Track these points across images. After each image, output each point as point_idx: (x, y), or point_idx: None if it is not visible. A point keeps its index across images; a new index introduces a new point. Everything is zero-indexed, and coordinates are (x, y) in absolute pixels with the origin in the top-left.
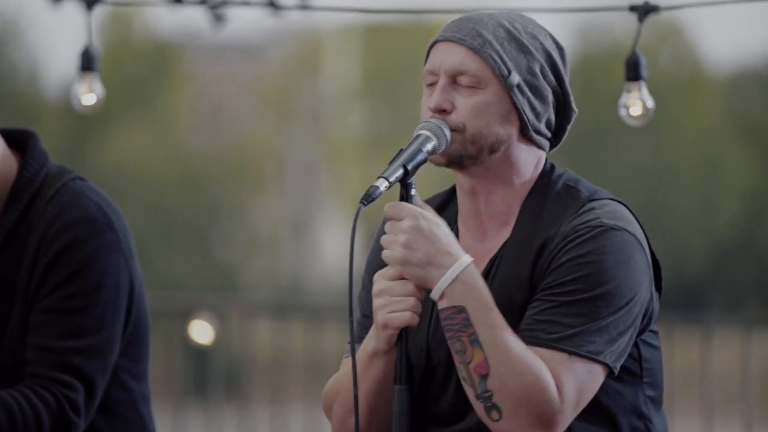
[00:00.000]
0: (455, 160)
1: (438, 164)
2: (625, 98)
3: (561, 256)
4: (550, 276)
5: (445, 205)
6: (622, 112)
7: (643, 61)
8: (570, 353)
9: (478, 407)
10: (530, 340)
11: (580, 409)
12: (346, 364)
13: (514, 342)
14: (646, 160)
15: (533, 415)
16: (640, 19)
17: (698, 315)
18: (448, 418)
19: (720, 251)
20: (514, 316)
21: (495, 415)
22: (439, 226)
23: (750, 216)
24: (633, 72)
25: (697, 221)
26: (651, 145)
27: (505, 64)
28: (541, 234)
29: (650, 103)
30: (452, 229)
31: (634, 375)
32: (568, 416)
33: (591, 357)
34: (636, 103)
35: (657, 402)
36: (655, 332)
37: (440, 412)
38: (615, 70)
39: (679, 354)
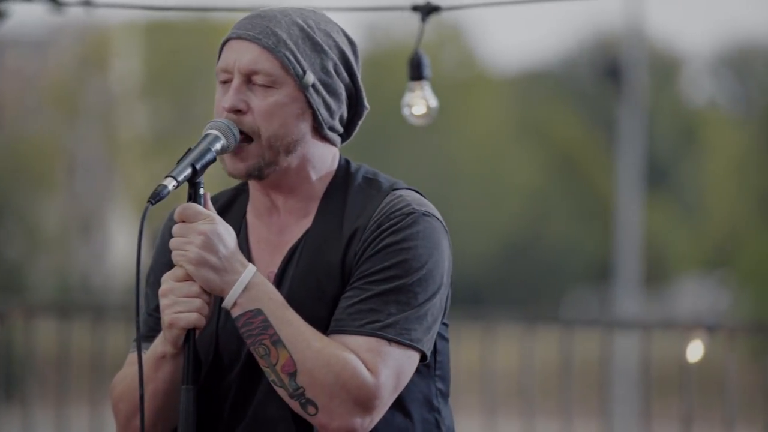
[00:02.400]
0: (254, 173)
1: (238, 177)
2: (408, 97)
3: (376, 243)
4: (366, 263)
5: (234, 199)
6: (406, 111)
7: (426, 60)
8: (390, 340)
9: (294, 406)
10: (350, 329)
11: (397, 394)
12: (132, 360)
13: (314, 335)
14: (431, 159)
15: (349, 401)
16: (423, 19)
17: (481, 312)
18: (240, 415)
19: (503, 249)
20: (325, 305)
21: (311, 409)
22: (231, 232)
23: (533, 214)
24: (416, 71)
25: (480, 219)
26: (435, 144)
27: (299, 63)
28: (350, 223)
29: (433, 103)
30: (241, 224)
31: (428, 367)
32: (386, 400)
33: (412, 345)
34: (419, 102)
35: (446, 395)
36: (446, 324)
37: (232, 409)
38: (399, 69)
39: (463, 350)
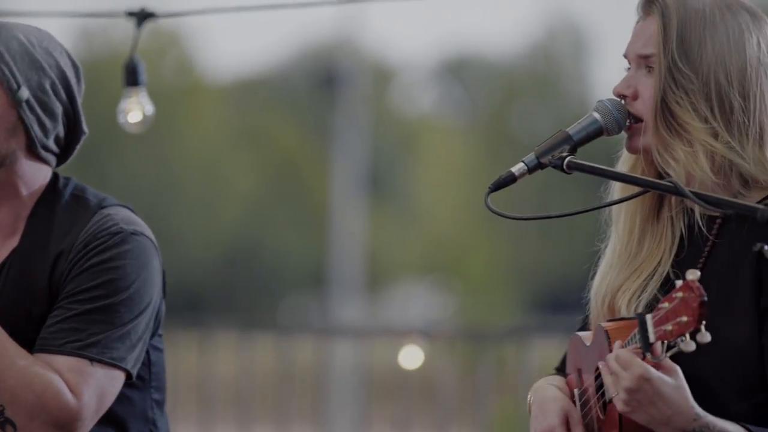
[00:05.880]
0: None
1: None
2: (124, 104)
3: (83, 263)
4: (72, 283)
5: None
6: (121, 118)
7: (142, 66)
8: (92, 360)
9: None
10: (52, 349)
11: (100, 415)
12: None
13: (18, 353)
14: (151, 166)
15: (49, 423)
16: (138, 25)
17: (199, 319)
18: None
19: (222, 255)
20: (32, 326)
21: (9, 429)
22: None
23: (252, 221)
24: (131, 77)
25: (200, 226)
26: (155, 151)
27: (15, 78)
28: (56, 243)
29: (149, 109)
30: None
31: (143, 380)
32: (87, 422)
33: (114, 363)
34: (135, 108)
35: (161, 404)
36: (160, 335)
37: None
38: (117, 76)
39: (181, 358)
